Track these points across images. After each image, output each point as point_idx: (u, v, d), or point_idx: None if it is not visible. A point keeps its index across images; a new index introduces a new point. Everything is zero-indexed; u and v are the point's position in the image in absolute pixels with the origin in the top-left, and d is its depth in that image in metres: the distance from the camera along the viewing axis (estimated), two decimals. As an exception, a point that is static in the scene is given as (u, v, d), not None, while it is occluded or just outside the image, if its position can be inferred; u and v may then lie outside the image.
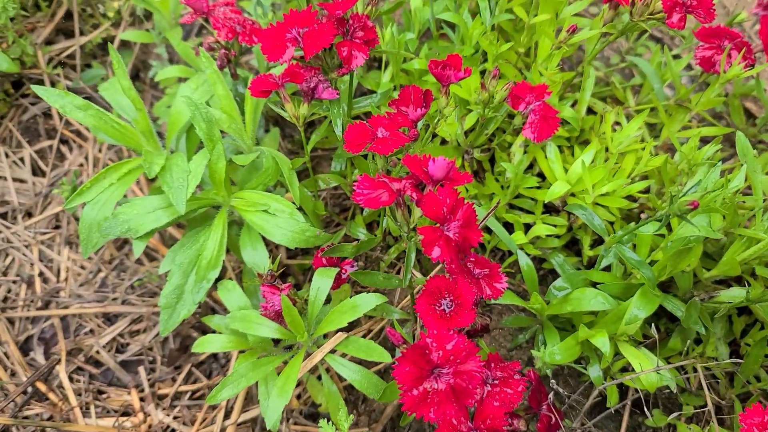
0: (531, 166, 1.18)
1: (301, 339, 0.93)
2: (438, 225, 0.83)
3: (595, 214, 0.92)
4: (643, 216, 1.02)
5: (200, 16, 1.14)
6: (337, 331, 0.97)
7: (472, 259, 0.95)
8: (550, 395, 0.91)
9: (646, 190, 1.08)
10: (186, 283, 1.05)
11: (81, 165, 1.48)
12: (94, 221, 1.05)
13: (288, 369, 0.93)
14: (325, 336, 1.00)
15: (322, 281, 0.98)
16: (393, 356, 0.96)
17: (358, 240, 1.15)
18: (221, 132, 1.10)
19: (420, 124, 1.01)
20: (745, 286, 0.93)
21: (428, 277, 0.88)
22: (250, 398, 1.18)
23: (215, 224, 1.06)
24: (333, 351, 0.98)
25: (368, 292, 1.06)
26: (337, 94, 1.00)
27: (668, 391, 1.09)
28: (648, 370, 0.85)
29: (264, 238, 1.10)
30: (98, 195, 1.06)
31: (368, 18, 0.96)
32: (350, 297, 1.04)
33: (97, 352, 1.27)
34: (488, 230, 1.16)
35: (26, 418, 1.17)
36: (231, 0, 1.16)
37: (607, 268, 1.04)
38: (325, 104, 1.04)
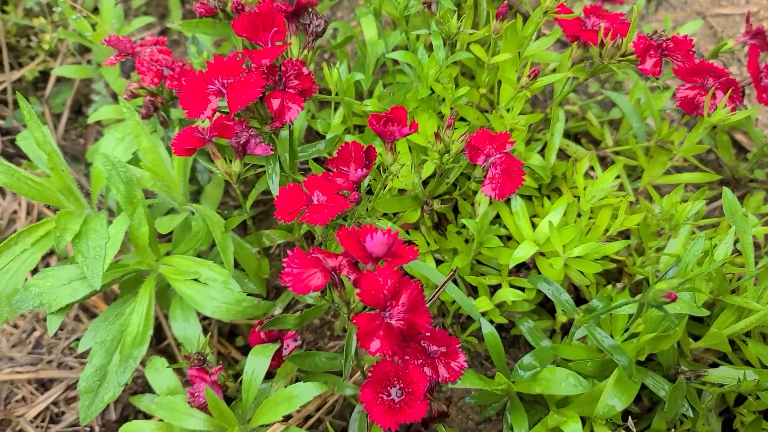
0: (499, 215, 1.06)
1: (231, 434, 0.82)
2: (378, 311, 0.71)
3: (562, 289, 0.80)
4: (618, 286, 0.91)
5: (125, 57, 1.02)
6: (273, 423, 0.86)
7: (427, 334, 0.83)
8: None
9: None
10: (110, 363, 0.93)
11: (15, 212, 1.36)
12: (2, 294, 0.93)
13: (217, 469, 0.81)
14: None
15: (257, 362, 0.87)
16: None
17: (308, 306, 1.04)
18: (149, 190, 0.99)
19: (367, 181, 0.89)
20: (734, 362, 0.82)
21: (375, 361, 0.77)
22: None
23: (140, 295, 0.94)
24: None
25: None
26: (272, 150, 0.88)
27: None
28: (627, 471, 0.73)
29: (199, 306, 0.99)
30: (8, 264, 0.94)
31: (303, 64, 0.85)
32: (294, 375, 0.93)
33: (29, 423, 1.15)
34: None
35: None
36: (161, 39, 1.04)
37: (583, 337, 0.93)
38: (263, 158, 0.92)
